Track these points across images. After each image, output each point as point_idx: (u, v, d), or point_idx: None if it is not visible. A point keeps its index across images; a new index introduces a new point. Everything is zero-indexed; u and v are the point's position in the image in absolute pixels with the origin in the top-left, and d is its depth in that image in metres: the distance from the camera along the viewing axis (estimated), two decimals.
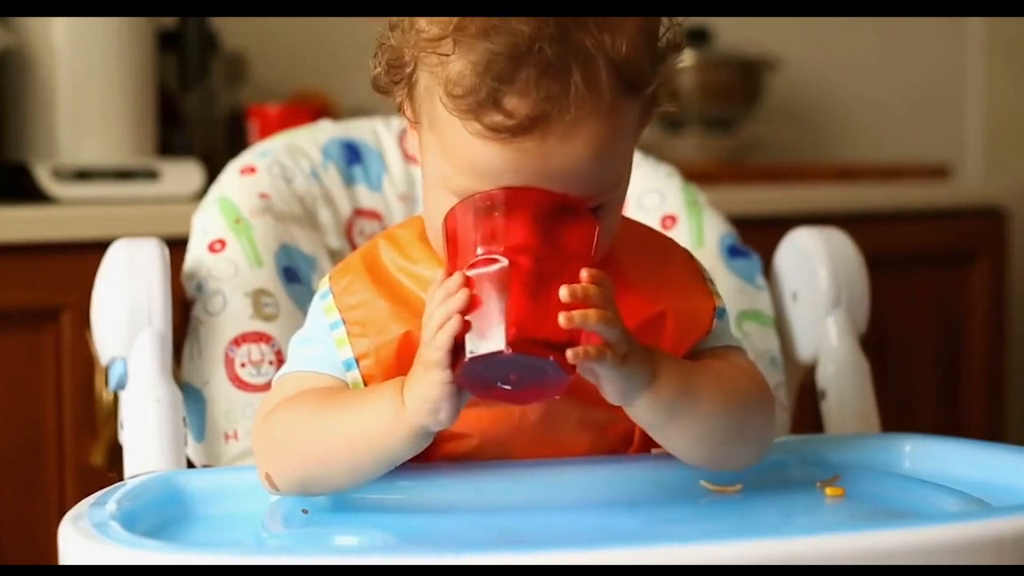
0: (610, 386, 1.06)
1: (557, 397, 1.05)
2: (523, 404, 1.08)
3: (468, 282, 1.03)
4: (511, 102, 1.03)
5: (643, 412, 1.08)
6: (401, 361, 1.11)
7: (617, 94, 1.06)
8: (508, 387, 1.03)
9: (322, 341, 1.15)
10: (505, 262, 1.02)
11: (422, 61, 1.08)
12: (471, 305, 1.02)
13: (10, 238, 1.76)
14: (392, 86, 1.13)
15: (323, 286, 1.17)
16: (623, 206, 1.14)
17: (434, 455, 1.13)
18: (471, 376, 1.03)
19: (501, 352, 1.00)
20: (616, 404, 1.07)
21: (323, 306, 1.16)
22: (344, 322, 1.14)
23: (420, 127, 1.11)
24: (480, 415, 1.12)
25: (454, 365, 1.03)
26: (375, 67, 1.13)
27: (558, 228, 1.05)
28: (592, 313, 1.01)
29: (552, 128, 1.03)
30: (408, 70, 1.10)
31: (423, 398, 1.05)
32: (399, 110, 1.14)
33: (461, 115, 1.04)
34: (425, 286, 1.12)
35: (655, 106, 1.12)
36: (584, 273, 1.03)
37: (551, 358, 1.01)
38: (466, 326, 1.01)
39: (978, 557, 0.92)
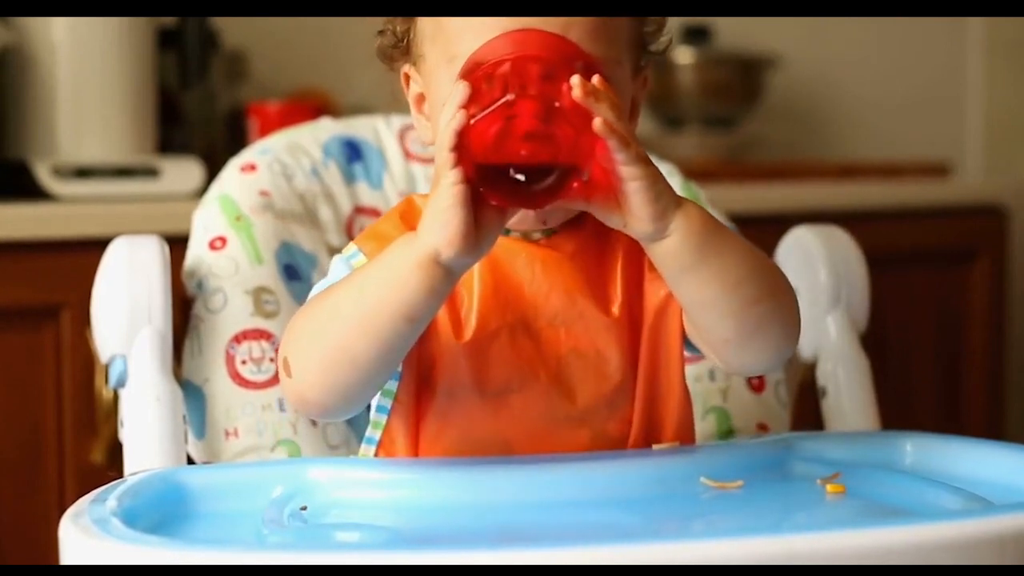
0: (638, 196, 1.01)
1: (577, 198, 1.00)
2: (541, 206, 1.01)
3: (472, 80, 1.00)
4: None
5: (676, 244, 1.04)
6: None
7: None
8: (522, 177, 0.97)
9: None
10: (511, 60, 1.00)
11: None
12: (476, 94, 0.98)
13: (10, 236, 1.76)
14: (396, 44, 1.15)
15: (348, 250, 1.14)
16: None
17: (433, 452, 1.13)
18: (481, 155, 0.97)
19: (508, 102, 0.96)
20: (649, 232, 1.03)
21: (354, 264, 1.13)
22: None
23: (423, 58, 1.13)
24: (475, 414, 1.11)
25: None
26: (379, 40, 1.16)
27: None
28: (601, 100, 0.99)
29: None
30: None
31: (433, 210, 1.00)
32: (403, 59, 1.16)
33: None
34: None
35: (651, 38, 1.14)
36: (596, 77, 1.01)
37: (556, 104, 0.97)
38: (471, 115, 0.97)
39: (979, 555, 0.92)
